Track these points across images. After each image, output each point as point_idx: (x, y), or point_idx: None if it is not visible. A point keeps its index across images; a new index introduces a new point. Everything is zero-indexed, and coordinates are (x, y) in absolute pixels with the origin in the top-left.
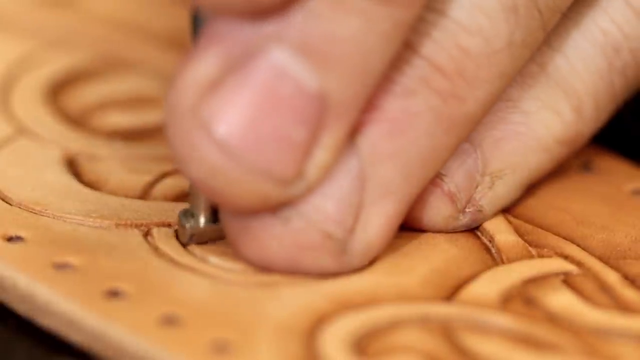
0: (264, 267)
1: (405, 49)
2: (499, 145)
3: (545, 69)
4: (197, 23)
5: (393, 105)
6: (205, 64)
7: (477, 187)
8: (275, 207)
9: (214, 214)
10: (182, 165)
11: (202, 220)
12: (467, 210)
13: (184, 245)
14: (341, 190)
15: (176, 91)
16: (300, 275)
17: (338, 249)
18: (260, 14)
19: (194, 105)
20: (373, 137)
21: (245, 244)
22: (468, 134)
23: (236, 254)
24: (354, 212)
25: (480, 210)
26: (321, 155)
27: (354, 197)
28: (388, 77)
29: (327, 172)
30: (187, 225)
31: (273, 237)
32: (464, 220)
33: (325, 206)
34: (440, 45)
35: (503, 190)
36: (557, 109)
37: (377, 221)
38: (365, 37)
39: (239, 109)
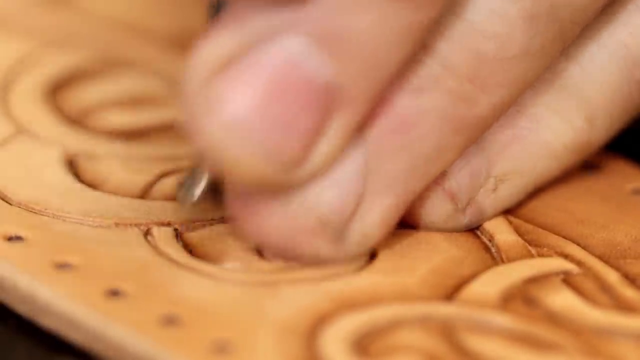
0: (261, 245)
1: (423, 52)
2: (506, 149)
3: (559, 77)
4: (217, 6)
5: (403, 102)
6: (221, 43)
7: (480, 188)
8: (277, 190)
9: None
10: (193, 137)
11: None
12: (467, 210)
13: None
14: (343, 180)
15: (192, 65)
16: (301, 275)
17: (334, 236)
18: (280, 1)
19: (207, 81)
20: (380, 131)
21: (245, 219)
22: (478, 136)
23: (235, 230)
24: (353, 202)
25: (481, 212)
26: (326, 144)
27: (355, 187)
28: (401, 74)
29: (332, 161)
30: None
31: (272, 217)
32: (464, 220)
33: (325, 193)
34: (455, 46)
35: (506, 193)
36: (568, 117)
37: (376, 213)
38: (379, 33)
39: (248, 90)
